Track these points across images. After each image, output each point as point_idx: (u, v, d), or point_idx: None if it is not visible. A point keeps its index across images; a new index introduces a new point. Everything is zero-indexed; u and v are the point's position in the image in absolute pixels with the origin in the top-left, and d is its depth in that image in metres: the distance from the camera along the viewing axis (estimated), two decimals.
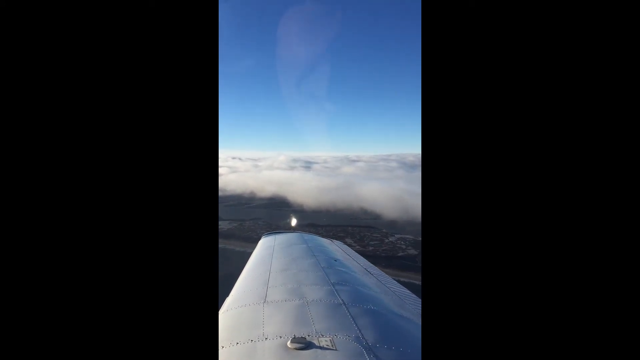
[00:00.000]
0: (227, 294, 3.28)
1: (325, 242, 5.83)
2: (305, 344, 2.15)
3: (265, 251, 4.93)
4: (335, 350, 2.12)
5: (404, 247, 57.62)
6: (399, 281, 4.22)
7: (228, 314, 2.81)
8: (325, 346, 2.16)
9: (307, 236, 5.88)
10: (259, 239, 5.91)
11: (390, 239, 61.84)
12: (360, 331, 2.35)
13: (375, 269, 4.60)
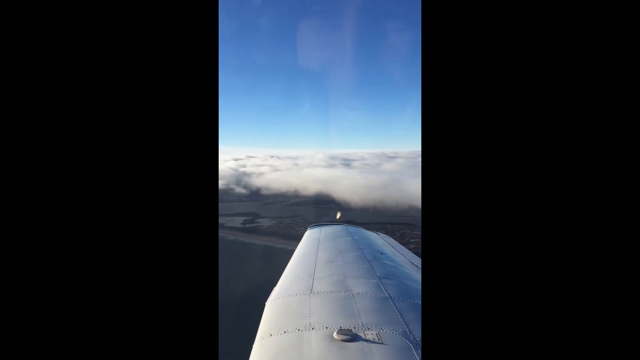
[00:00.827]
0: (267, 288, 3.39)
1: (371, 234, 5.81)
2: (351, 336, 2.17)
3: (311, 243, 5.00)
4: (382, 344, 2.13)
5: None
6: None
7: (275, 303, 2.90)
8: (371, 339, 2.17)
9: (353, 229, 5.87)
10: (298, 235, 5.96)
11: None
12: (407, 326, 2.34)
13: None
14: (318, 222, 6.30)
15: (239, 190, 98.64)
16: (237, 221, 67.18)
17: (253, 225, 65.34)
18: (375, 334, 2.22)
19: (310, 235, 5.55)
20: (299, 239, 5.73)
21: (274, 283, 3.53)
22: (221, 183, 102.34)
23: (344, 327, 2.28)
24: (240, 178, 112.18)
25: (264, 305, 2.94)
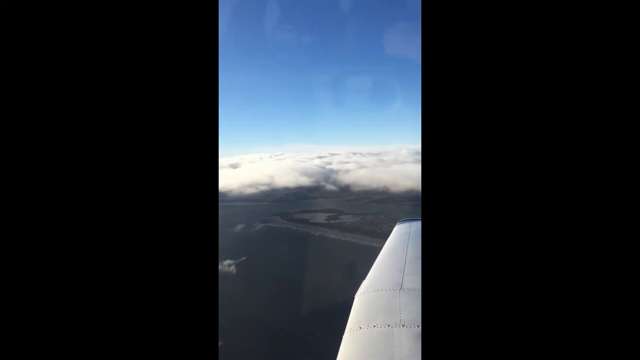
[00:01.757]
0: (355, 282, 3.46)
1: None
2: None
3: (400, 238, 4.92)
4: None
5: None
6: None
7: (365, 296, 2.95)
8: None
9: None
10: (382, 232, 5.88)
11: None
12: None
13: None
14: (407, 218, 6.13)
15: (329, 187, 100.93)
16: (321, 217, 69.01)
17: (337, 221, 66.46)
18: None
19: (399, 230, 5.44)
20: (383, 236, 5.66)
21: (361, 278, 3.58)
22: (309, 180, 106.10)
23: None
24: (327, 175, 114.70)
25: (352, 298, 3.01)
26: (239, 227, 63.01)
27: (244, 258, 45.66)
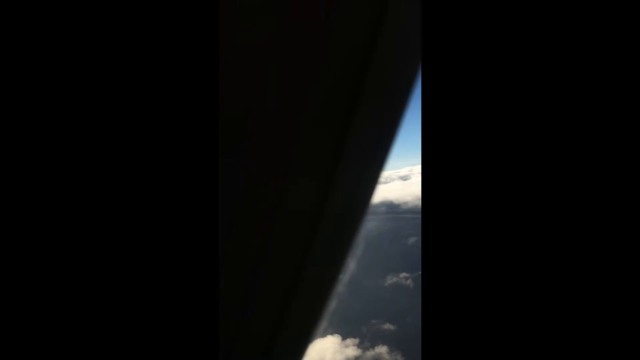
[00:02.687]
0: None
1: None
2: None
3: None
4: None
5: None
6: None
7: None
8: None
9: None
10: None
11: None
12: None
13: None
14: None
15: None
16: None
17: None
18: None
19: None
20: None
21: None
22: None
23: None
24: None
25: None
26: (412, 239, 62.70)
27: (419, 273, 44.88)
